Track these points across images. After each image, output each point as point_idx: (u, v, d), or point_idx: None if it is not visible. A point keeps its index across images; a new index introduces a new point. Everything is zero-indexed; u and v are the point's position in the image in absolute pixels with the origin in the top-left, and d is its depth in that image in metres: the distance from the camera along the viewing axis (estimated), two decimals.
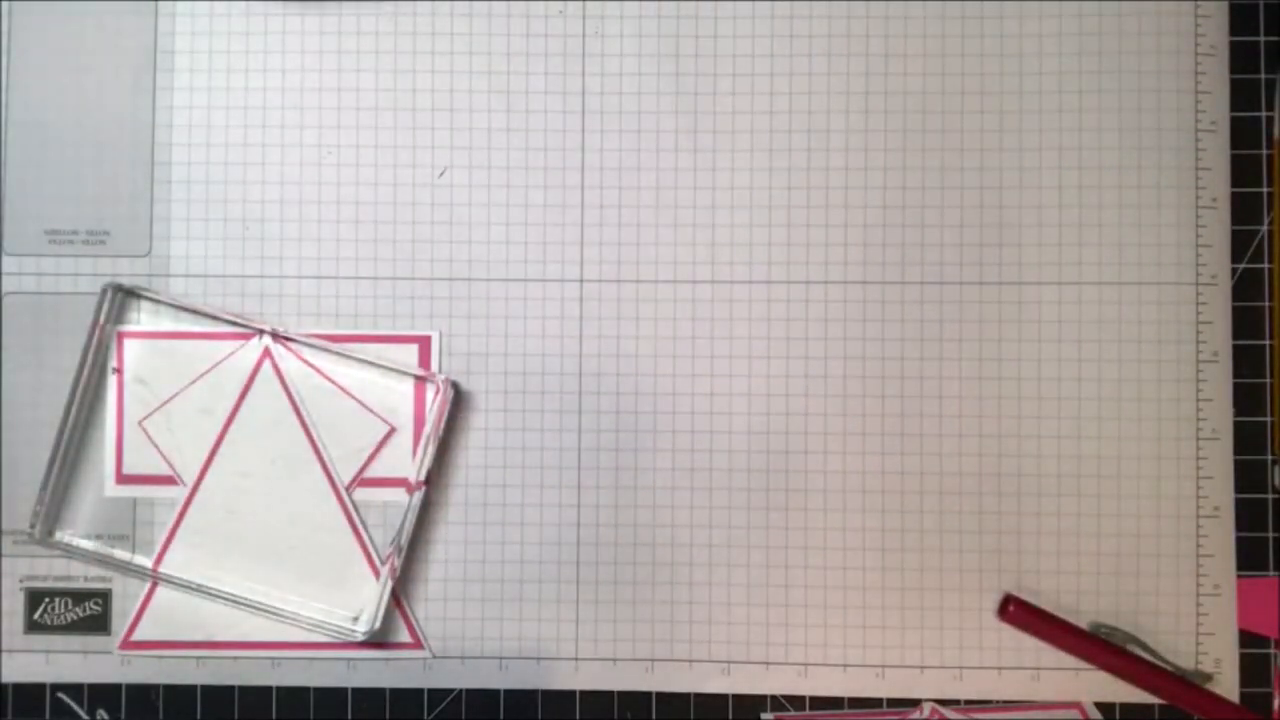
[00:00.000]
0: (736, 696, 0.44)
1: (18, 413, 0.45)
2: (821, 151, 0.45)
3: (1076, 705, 0.44)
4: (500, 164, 0.45)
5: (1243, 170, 0.44)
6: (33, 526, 0.44)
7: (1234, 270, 0.44)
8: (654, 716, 0.44)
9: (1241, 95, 0.45)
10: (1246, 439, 0.44)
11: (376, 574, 0.44)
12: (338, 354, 0.44)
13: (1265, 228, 0.44)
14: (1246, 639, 0.44)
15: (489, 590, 0.44)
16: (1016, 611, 0.43)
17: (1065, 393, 0.44)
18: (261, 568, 0.44)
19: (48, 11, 0.45)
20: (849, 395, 0.44)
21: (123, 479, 0.45)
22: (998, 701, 0.44)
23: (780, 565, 0.44)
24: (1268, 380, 0.44)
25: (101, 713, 0.44)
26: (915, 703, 0.44)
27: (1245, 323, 0.44)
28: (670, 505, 0.44)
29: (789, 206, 0.45)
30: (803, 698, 0.44)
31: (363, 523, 0.44)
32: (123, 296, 0.45)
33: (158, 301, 0.45)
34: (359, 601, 0.44)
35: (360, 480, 0.45)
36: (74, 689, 0.45)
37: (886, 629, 0.44)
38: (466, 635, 0.44)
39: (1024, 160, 0.45)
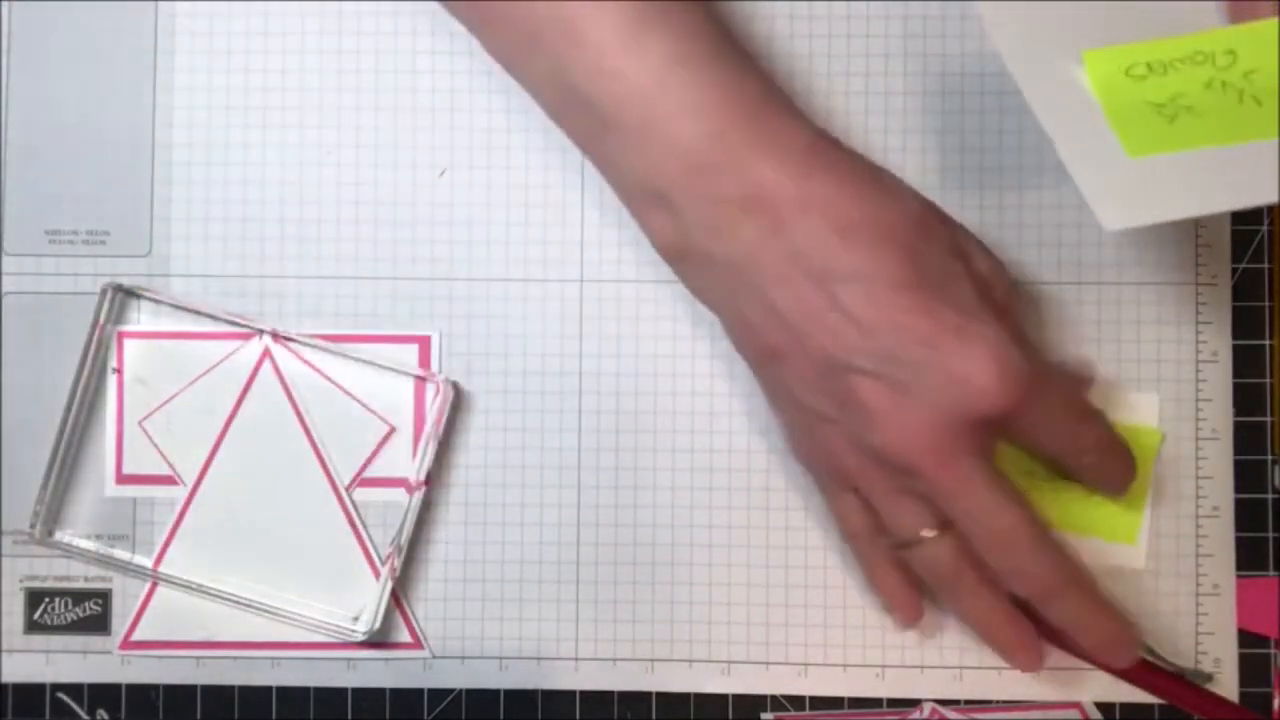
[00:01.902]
0: (736, 696, 0.44)
1: (18, 413, 0.45)
2: None
3: (1076, 705, 0.44)
4: (500, 164, 0.45)
5: None
6: (33, 526, 0.44)
7: (1234, 270, 0.44)
8: (654, 716, 0.44)
9: None
10: (1246, 439, 0.44)
11: (376, 574, 0.44)
12: (338, 354, 0.44)
13: (1265, 228, 0.44)
14: (1246, 639, 0.44)
15: (489, 590, 0.44)
16: None
17: None
18: (261, 567, 0.44)
19: (48, 11, 0.45)
20: None
21: (123, 479, 0.45)
22: (998, 701, 0.44)
23: (780, 565, 0.44)
24: (1268, 380, 0.44)
25: (101, 713, 0.44)
26: (915, 703, 0.44)
27: (1245, 323, 0.44)
28: (670, 505, 0.44)
29: None
30: (803, 698, 0.44)
31: (363, 523, 0.44)
32: (123, 296, 0.45)
33: (158, 301, 0.45)
34: (359, 601, 0.44)
35: (360, 480, 0.44)
36: (74, 689, 0.45)
37: (886, 629, 0.44)
38: (466, 635, 0.44)
39: (1024, 159, 0.44)
